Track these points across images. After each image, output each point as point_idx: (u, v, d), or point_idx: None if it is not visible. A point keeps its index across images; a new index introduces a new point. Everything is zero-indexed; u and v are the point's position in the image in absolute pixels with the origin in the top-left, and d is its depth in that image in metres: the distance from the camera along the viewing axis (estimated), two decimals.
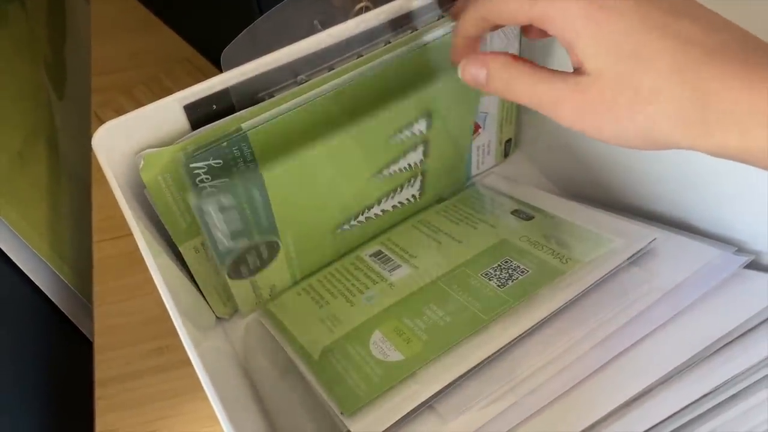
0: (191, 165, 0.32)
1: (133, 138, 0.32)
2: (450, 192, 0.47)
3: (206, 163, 0.33)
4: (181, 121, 0.33)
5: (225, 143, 0.32)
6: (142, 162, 0.32)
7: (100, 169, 0.32)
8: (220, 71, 0.34)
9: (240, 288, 0.39)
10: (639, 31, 0.24)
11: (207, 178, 0.33)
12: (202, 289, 0.40)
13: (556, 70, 0.26)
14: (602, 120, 0.25)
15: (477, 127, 0.46)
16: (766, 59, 0.22)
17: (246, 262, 0.37)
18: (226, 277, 0.38)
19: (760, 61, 0.22)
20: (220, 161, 0.33)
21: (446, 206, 0.45)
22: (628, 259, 0.34)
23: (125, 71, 0.63)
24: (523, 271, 0.35)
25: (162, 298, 0.29)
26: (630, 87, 0.24)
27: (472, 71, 0.29)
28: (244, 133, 0.33)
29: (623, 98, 0.24)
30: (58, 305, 0.52)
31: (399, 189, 0.42)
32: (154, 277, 0.30)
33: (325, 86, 0.34)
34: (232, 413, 0.27)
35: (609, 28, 0.24)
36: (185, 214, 0.35)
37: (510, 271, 0.36)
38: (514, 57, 0.28)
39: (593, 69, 0.25)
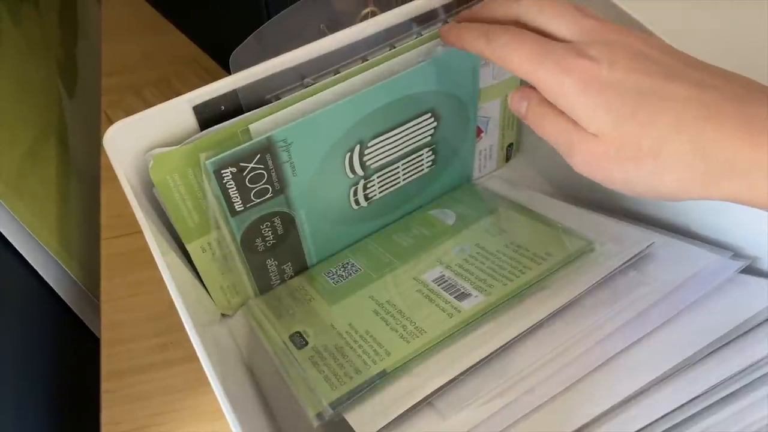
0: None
1: (143, 137, 0.33)
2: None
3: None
4: (190, 121, 0.34)
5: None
6: (152, 162, 0.32)
7: (109, 167, 0.33)
8: (229, 73, 0.34)
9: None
10: (635, 97, 0.25)
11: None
12: (207, 287, 0.40)
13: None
14: (610, 171, 0.26)
15: (479, 132, 0.47)
16: (764, 110, 0.23)
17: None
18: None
19: (758, 112, 0.23)
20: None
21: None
22: (626, 262, 0.35)
23: (135, 72, 0.64)
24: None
25: (169, 294, 0.30)
26: (632, 145, 0.25)
27: (516, 101, 0.30)
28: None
29: (627, 154, 0.25)
30: (66, 301, 0.53)
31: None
32: (162, 273, 0.30)
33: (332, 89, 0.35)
34: (237, 407, 0.27)
35: (605, 96, 0.25)
36: (193, 213, 0.36)
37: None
38: None
39: (595, 131, 0.26)
